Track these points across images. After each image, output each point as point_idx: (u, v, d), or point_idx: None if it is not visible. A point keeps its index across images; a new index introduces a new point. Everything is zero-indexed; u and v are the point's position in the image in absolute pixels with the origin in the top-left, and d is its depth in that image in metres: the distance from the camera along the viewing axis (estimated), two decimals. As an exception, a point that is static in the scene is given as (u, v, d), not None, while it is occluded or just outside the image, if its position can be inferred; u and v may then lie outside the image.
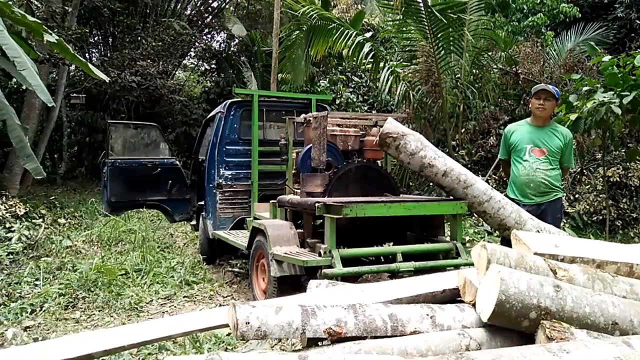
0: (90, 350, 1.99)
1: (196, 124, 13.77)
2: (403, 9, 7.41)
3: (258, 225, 4.58)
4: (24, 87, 6.59)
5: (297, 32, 8.91)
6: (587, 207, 7.70)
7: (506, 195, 4.24)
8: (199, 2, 16.43)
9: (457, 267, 3.88)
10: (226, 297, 5.01)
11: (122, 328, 2.59)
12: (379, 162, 5.05)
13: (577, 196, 7.96)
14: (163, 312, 4.47)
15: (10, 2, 6.53)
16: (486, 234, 7.33)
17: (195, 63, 17.79)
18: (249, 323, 1.80)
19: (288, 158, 4.97)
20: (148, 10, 14.60)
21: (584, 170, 8.20)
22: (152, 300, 4.73)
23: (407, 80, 8.51)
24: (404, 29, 8.30)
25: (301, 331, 1.85)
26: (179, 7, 15.77)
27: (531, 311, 1.90)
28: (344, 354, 1.82)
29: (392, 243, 4.62)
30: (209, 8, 16.45)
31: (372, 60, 8.33)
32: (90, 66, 5.58)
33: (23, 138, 4.96)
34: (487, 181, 7.51)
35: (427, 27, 7.38)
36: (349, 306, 1.96)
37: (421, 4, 7.13)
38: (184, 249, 7.06)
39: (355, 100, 11.70)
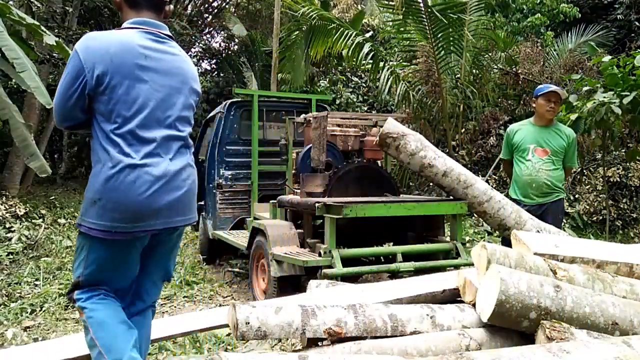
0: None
1: (196, 124, 13.72)
2: (403, 9, 7.41)
3: (258, 225, 4.58)
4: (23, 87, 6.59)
5: (297, 32, 8.91)
6: (587, 207, 7.70)
7: (507, 195, 4.24)
8: (199, 2, 16.42)
9: (457, 267, 3.88)
10: (226, 297, 5.01)
11: (122, 328, 2.59)
12: (379, 162, 5.05)
13: (577, 196, 7.96)
14: (163, 312, 4.47)
15: (11, 3, 6.53)
16: (486, 234, 7.33)
17: (195, 63, 17.79)
18: (249, 323, 1.80)
19: (288, 158, 4.97)
20: (148, 11, 14.59)
21: (584, 170, 8.21)
22: (152, 300, 4.72)
23: (407, 81, 8.51)
24: (404, 29, 8.30)
25: (301, 331, 1.85)
26: (179, 7, 15.75)
27: (531, 311, 1.90)
28: (344, 354, 1.82)
29: (392, 243, 4.62)
30: (209, 8, 16.45)
31: (372, 60, 8.34)
32: None
33: (27, 136, 4.94)
34: (487, 181, 7.52)
35: (427, 27, 7.38)
36: (349, 306, 1.96)
37: (421, 4, 7.13)
38: (184, 249, 7.05)
39: (355, 100, 11.70)
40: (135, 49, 1.92)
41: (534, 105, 4.20)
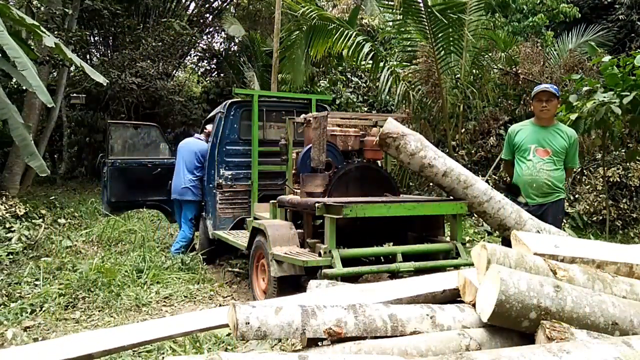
0: (90, 350, 1.99)
1: (196, 124, 13.77)
2: (403, 9, 7.41)
3: (258, 225, 4.58)
4: (24, 87, 6.58)
5: (297, 32, 8.91)
6: (587, 207, 7.70)
7: (507, 196, 4.24)
8: (199, 2, 16.42)
9: (457, 267, 3.88)
10: (226, 297, 5.01)
11: (122, 328, 2.59)
12: (379, 162, 5.05)
13: (577, 196, 7.96)
14: (163, 312, 4.47)
15: (11, 4, 6.53)
16: (486, 234, 7.33)
17: (195, 63, 17.78)
18: (249, 323, 1.80)
19: (288, 158, 4.97)
20: (148, 11, 14.59)
21: (584, 170, 8.20)
22: (152, 300, 4.72)
23: (407, 81, 8.50)
24: (404, 29, 8.30)
25: (301, 331, 1.85)
26: (179, 7, 15.75)
27: (531, 311, 1.90)
28: (344, 354, 1.82)
29: (392, 243, 4.62)
30: (210, 8, 16.44)
31: (372, 60, 8.33)
32: (88, 69, 5.58)
33: (26, 136, 4.95)
34: (487, 181, 7.51)
35: (427, 27, 7.38)
36: (349, 306, 1.96)
37: (421, 4, 7.13)
38: (184, 249, 7.04)
39: (355, 100, 11.70)
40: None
41: (532, 107, 4.21)
